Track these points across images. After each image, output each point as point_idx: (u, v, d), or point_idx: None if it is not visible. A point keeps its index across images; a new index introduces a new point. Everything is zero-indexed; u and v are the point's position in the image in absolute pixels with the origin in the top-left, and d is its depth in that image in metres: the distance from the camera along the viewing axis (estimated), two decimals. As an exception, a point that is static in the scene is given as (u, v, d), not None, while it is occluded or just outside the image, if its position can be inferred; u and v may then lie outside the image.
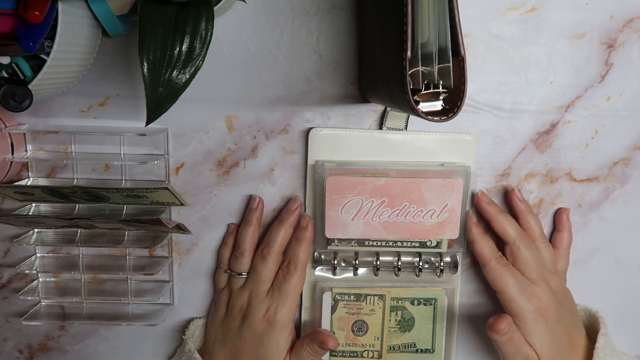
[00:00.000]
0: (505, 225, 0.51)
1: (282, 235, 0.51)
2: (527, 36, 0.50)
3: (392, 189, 0.49)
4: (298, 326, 0.56)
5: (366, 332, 0.54)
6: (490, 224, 0.52)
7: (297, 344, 0.51)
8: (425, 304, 0.54)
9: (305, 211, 0.53)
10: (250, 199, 0.53)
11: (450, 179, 0.50)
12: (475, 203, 0.53)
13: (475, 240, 0.52)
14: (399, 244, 0.52)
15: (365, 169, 0.50)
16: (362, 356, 0.54)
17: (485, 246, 0.51)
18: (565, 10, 0.50)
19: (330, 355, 0.55)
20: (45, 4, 0.37)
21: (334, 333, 0.54)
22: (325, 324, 0.54)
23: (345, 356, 0.55)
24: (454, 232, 0.51)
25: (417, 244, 0.52)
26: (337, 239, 0.52)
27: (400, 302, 0.54)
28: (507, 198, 0.54)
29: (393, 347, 0.55)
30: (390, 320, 0.54)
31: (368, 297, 0.54)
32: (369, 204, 0.50)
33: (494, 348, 0.59)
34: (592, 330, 0.53)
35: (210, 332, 0.53)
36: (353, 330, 0.54)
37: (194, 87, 0.39)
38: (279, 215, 0.53)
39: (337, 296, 0.54)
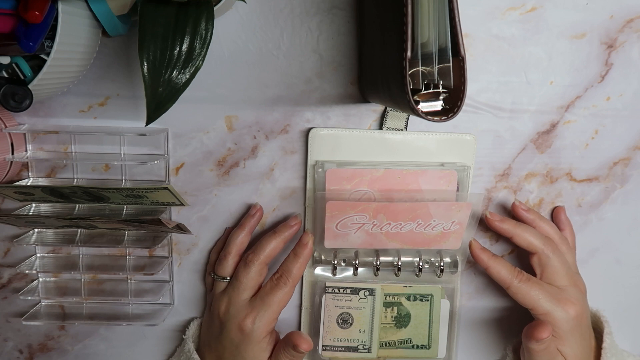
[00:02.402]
0: (528, 237, 0.49)
1: (272, 246, 0.50)
2: (527, 36, 0.50)
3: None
4: (298, 327, 0.56)
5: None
6: (512, 240, 0.50)
7: (276, 349, 0.49)
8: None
9: (305, 211, 0.53)
10: (251, 206, 0.53)
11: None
12: (488, 225, 0.51)
13: (489, 266, 0.49)
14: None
15: (365, 169, 0.50)
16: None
17: (501, 268, 0.49)
18: (565, 10, 0.50)
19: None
20: (45, 4, 0.37)
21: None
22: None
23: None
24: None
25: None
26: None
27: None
28: (513, 212, 0.53)
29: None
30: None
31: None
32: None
33: (494, 349, 0.59)
34: (595, 329, 0.53)
35: (202, 334, 0.53)
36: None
37: (194, 87, 0.40)
38: (275, 227, 0.52)
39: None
